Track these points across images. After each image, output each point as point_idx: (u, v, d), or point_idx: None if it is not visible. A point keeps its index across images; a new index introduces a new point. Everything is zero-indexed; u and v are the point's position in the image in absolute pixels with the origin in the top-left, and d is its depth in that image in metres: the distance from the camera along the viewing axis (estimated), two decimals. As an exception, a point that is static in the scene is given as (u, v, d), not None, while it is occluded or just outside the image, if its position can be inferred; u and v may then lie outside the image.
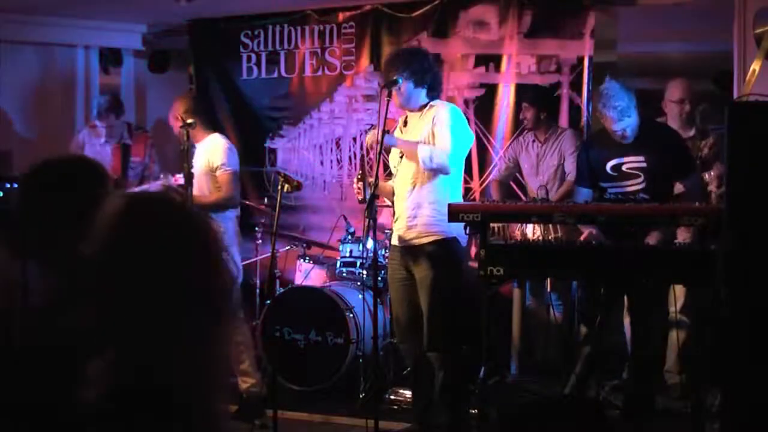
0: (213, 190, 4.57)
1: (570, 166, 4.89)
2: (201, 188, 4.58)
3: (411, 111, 3.94)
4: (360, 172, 3.90)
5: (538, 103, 5.09)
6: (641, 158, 4.10)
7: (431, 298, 3.80)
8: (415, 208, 3.84)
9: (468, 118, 4.53)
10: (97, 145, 5.76)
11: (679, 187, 4.26)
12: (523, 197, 5.17)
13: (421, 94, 3.88)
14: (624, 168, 4.14)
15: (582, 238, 4.07)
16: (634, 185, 4.13)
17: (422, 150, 3.72)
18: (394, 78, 3.80)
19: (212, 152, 4.59)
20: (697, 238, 3.69)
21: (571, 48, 5.26)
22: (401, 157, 3.93)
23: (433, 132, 3.80)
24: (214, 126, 4.98)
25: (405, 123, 4.03)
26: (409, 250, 3.89)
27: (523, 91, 5.33)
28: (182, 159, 4.34)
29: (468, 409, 3.97)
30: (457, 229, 3.75)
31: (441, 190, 3.81)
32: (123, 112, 5.89)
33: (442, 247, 3.81)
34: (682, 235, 4.32)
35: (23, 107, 6.32)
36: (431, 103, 3.89)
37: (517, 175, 5.27)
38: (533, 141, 5.12)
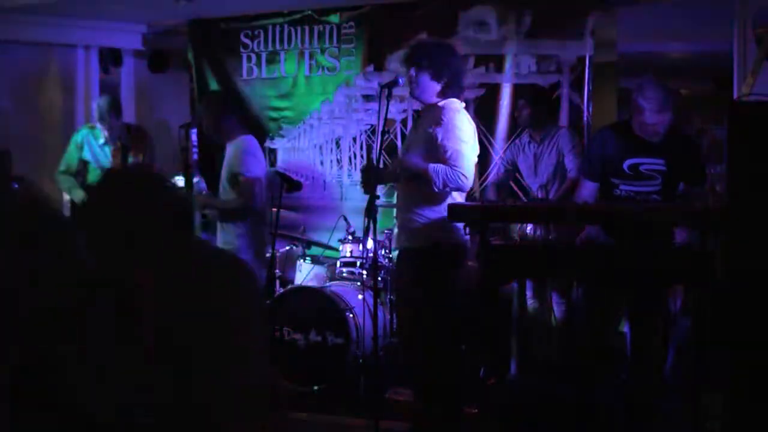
0: (235, 194, 4.56)
1: (570, 164, 4.88)
2: (225, 190, 4.58)
3: (424, 104, 3.87)
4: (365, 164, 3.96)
5: (535, 102, 5.09)
6: (661, 161, 4.00)
7: (410, 302, 3.78)
8: (406, 212, 3.81)
9: (468, 118, 4.52)
10: (96, 146, 5.75)
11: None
12: (523, 198, 5.17)
13: (436, 88, 3.76)
14: (642, 168, 4.04)
15: (579, 236, 4.06)
16: (649, 186, 4.05)
17: (435, 173, 3.60)
18: (395, 78, 3.81)
19: (234, 156, 4.60)
20: (697, 238, 3.68)
21: (571, 48, 5.26)
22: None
23: (442, 143, 3.65)
24: (245, 126, 4.94)
25: (419, 115, 4.02)
26: (402, 254, 3.89)
27: (521, 91, 5.33)
28: (183, 159, 4.34)
29: (467, 408, 3.96)
30: (447, 235, 3.70)
31: (430, 195, 3.71)
32: (122, 113, 5.88)
33: (423, 253, 3.73)
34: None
35: (23, 107, 6.31)
36: (440, 103, 3.77)
37: (517, 175, 5.27)
38: (529, 142, 5.11)
